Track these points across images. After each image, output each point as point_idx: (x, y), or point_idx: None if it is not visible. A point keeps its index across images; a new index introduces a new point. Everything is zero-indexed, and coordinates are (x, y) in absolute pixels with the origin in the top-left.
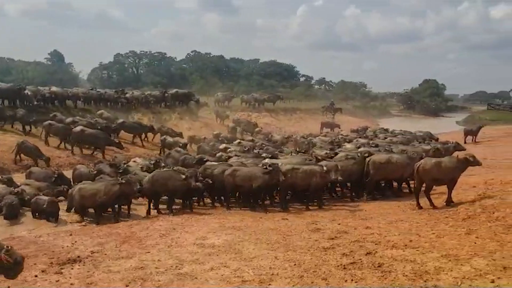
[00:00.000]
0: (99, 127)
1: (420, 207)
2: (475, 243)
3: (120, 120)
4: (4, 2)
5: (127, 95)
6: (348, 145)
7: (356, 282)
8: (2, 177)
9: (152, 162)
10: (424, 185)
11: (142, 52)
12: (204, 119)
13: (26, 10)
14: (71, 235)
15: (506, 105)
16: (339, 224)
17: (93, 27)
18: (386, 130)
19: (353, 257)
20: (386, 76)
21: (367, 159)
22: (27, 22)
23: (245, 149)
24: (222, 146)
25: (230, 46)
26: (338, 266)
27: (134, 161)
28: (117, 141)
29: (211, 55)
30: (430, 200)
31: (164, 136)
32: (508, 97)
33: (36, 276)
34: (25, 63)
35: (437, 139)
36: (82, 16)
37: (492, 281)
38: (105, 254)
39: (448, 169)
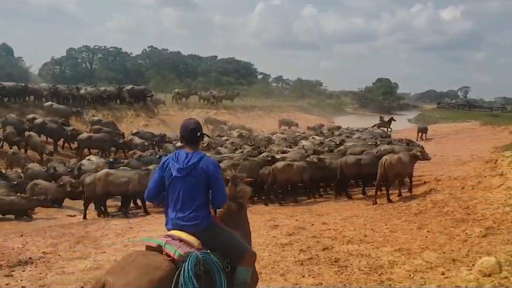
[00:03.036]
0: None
1: (376, 202)
2: (426, 237)
3: (135, 130)
4: None
5: (81, 91)
6: (304, 142)
7: (313, 277)
8: None
9: (110, 160)
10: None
11: (96, 47)
12: (161, 116)
13: None
14: (22, 235)
15: (455, 104)
16: (296, 220)
17: (44, 20)
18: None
19: (311, 253)
20: (341, 75)
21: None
22: None
23: (204, 145)
24: (179, 144)
25: (187, 42)
26: (296, 262)
27: (89, 159)
28: (121, 141)
29: (168, 51)
30: (388, 194)
31: (131, 137)
32: (456, 96)
33: None
34: None
35: (389, 137)
36: (33, 9)
37: (442, 273)
38: (59, 255)
39: (406, 164)
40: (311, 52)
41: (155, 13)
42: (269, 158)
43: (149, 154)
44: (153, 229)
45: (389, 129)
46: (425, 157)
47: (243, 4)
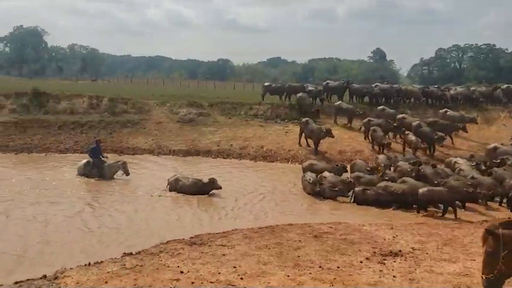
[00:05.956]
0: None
1: None
2: None
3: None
4: (336, 6)
5: (451, 92)
6: None
7: None
8: (337, 165)
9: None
10: None
11: (467, 45)
12: None
13: (354, 11)
14: (392, 228)
15: None
16: None
17: (415, 22)
18: None
19: None
20: None
21: None
22: (354, 22)
23: None
24: None
25: None
26: None
27: (456, 162)
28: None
29: None
30: None
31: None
32: None
33: (361, 262)
34: (350, 62)
35: None
36: (405, 12)
37: None
38: (427, 253)
39: None
40: None
41: None
42: None
43: None
44: None
45: None
46: None
47: None
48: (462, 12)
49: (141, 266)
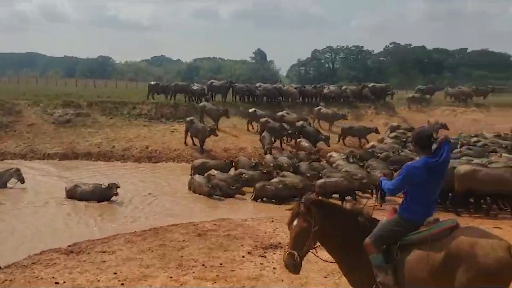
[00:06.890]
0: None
1: None
2: None
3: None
4: (219, 7)
5: (325, 90)
6: None
7: None
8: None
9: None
10: None
11: (339, 47)
12: (403, 114)
13: (237, 12)
14: (272, 221)
15: None
16: None
17: (294, 25)
18: None
19: None
20: None
21: None
22: (236, 23)
23: None
24: None
25: (434, 35)
26: None
27: (331, 156)
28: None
29: (411, 46)
30: None
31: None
32: None
33: (243, 256)
34: (233, 62)
35: None
36: (286, 16)
37: None
38: None
39: None
40: None
41: (402, 7)
42: None
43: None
44: None
45: None
46: None
47: None
48: (335, 14)
49: (10, 280)
